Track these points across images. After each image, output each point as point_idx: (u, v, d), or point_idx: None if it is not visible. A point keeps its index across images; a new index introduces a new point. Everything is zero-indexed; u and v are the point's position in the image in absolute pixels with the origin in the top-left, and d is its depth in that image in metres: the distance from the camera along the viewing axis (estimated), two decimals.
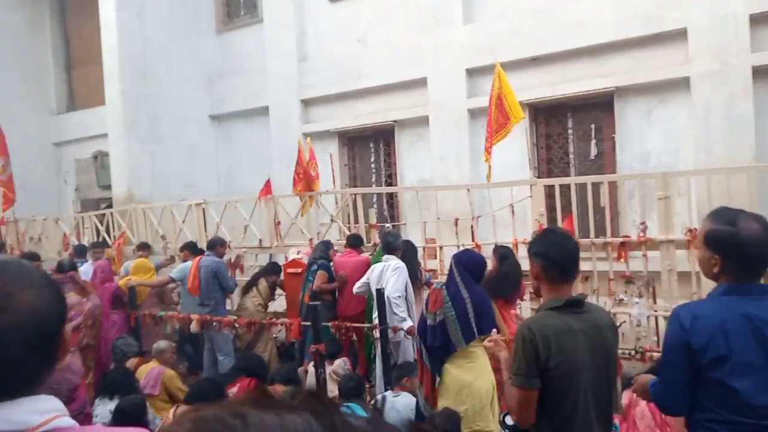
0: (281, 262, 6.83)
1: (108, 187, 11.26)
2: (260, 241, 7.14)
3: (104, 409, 4.34)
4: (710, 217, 1.99)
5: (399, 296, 4.78)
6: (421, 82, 8.90)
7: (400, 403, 4.05)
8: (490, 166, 5.67)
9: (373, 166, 9.79)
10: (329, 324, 5.18)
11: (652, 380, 2.05)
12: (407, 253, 5.31)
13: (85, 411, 4.65)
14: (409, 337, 4.81)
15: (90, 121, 12.27)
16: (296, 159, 6.86)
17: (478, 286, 3.78)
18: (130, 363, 5.19)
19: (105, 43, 10.21)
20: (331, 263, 5.82)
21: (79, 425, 0.93)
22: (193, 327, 5.91)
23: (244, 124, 11.05)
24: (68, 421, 0.90)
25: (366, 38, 9.67)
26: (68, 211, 11.67)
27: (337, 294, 5.85)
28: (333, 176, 8.16)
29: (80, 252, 7.26)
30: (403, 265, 5.08)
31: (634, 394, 2.45)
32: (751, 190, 5.05)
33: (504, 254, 4.86)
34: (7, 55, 12.36)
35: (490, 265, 4.65)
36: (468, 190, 5.99)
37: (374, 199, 9.35)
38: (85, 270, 6.39)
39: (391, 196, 9.31)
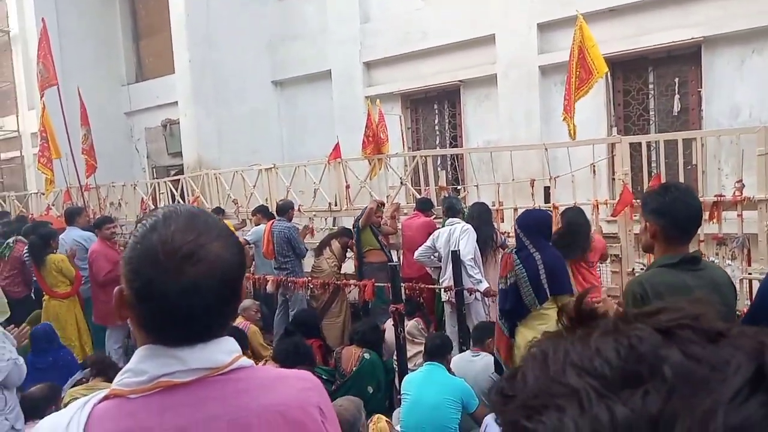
0: (350, 225, 6.85)
1: (177, 155, 11.65)
2: (330, 204, 7.18)
3: None
4: None
5: (472, 258, 4.70)
6: (488, 40, 8.57)
7: (479, 364, 4.02)
8: (574, 124, 5.39)
9: (437, 128, 9.61)
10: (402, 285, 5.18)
11: None
12: (482, 215, 5.19)
13: None
14: (482, 299, 4.75)
15: (158, 90, 12.63)
16: (365, 122, 6.79)
17: (550, 246, 3.66)
18: (238, 321, 5.38)
19: (173, 12, 10.38)
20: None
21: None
22: (269, 287, 6.06)
23: (306, 88, 11.05)
24: (247, 360, 0.96)
25: None
26: (140, 178, 12.15)
27: (401, 256, 5.84)
28: (402, 139, 8.05)
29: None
30: (470, 226, 4.99)
31: None
32: None
33: (568, 216, 4.67)
34: (80, 29, 12.81)
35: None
36: (546, 149, 5.75)
37: (439, 163, 9.21)
38: None
39: (457, 159, 9.13)
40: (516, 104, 8.31)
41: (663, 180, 4.80)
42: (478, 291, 4.67)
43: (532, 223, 3.62)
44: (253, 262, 6.75)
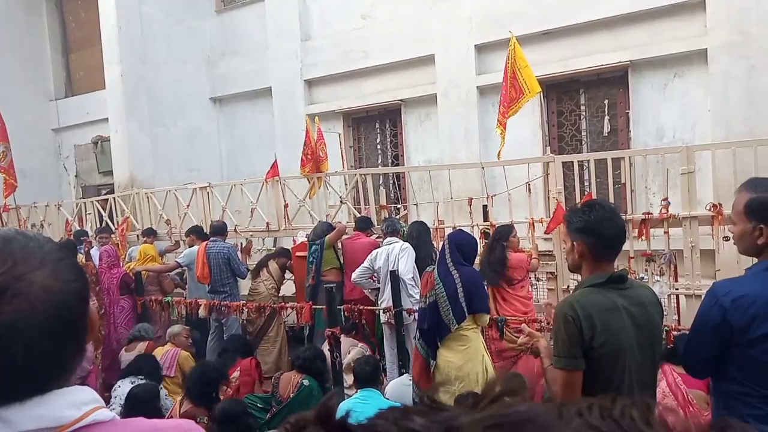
0: (288, 245, 6.69)
1: (108, 173, 11.11)
2: (267, 224, 6.98)
3: (123, 390, 4.24)
4: (747, 186, 1.91)
5: (412, 277, 4.65)
6: (428, 60, 8.68)
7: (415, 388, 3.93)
8: (502, 143, 5.48)
9: (379, 147, 9.60)
10: (340, 307, 5.05)
11: None
12: (422, 234, 5.16)
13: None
14: None
15: (89, 106, 12.07)
16: (304, 140, 6.67)
17: (469, 266, 3.68)
18: (140, 347, 5.10)
19: (104, 24, 9.97)
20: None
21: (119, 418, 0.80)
22: (201, 312, 5.79)
23: (246, 105, 10.84)
24: (107, 413, 0.78)
25: (371, 15, 9.42)
26: (68, 198, 11.50)
27: (344, 277, 5.71)
28: (342, 157, 7.97)
29: (78, 237, 7.13)
30: (408, 245, 4.95)
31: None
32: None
33: (498, 235, 4.72)
34: (4, 41, 12.12)
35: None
36: (483, 168, 5.81)
37: (380, 181, 9.18)
38: (92, 255, 6.26)
39: (398, 178, 9.14)
40: (455, 124, 8.42)
41: (593, 197, 4.91)
42: (416, 311, 4.59)
43: (459, 241, 3.62)
44: (186, 286, 6.46)
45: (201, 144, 10.72)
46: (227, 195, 7.31)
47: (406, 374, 4.03)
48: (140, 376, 4.32)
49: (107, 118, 10.85)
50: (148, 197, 7.99)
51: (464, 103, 8.39)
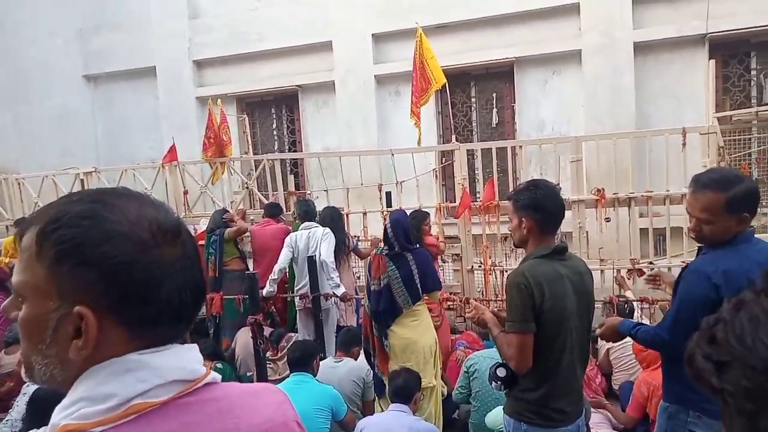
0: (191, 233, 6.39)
1: None
2: None
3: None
4: (704, 185, 2.01)
5: (332, 261, 4.72)
6: (326, 46, 8.69)
7: (342, 369, 4.04)
8: (419, 132, 5.73)
9: (275, 133, 9.44)
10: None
11: (630, 322, 2.26)
12: (335, 220, 5.23)
13: None
14: (342, 304, 4.80)
15: None
16: (206, 123, 6.40)
17: (418, 246, 3.88)
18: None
19: None
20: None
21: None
22: None
23: (126, 85, 10.05)
24: (216, 374, 0.81)
25: None
26: None
27: (253, 264, 5.64)
28: (248, 141, 7.74)
29: None
30: (330, 230, 5.01)
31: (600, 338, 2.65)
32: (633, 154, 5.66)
33: (414, 221, 4.97)
34: None
35: None
36: (392, 154, 6.00)
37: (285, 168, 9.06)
38: None
39: (295, 164, 9.08)
40: (354, 111, 8.55)
41: (495, 184, 5.32)
42: (336, 296, 4.69)
43: (403, 226, 3.76)
44: None
45: (74, 126, 9.78)
46: (118, 180, 6.79)
47: (330, 357, 4.12)
48: None
49: None
50: (19, 183, 7.16)
51: (362, 90, 8.54)
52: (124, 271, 0.71)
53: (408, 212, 5.30)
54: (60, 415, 0.71)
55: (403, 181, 5.89)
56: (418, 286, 3.68)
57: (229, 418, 0.77)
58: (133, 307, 0.72)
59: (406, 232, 3.73)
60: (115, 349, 0.72)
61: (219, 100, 7.02)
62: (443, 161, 7.14)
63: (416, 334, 3.69)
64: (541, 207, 2.19)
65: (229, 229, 5.35)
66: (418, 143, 5.77)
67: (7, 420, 3.88)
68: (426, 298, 3.79)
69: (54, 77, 9.51)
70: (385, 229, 3.78)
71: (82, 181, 6.91)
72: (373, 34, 8.47)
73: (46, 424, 0.73)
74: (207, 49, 9.34)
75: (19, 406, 3.77)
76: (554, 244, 2.23)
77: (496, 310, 2.49)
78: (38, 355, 0.73)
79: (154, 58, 9.53)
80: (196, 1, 9.46)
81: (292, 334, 4.37)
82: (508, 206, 2.37)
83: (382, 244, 3.87)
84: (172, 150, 6.52)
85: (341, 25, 8.52)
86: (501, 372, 2.19)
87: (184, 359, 0.77)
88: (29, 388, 3.85)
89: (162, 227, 0.76)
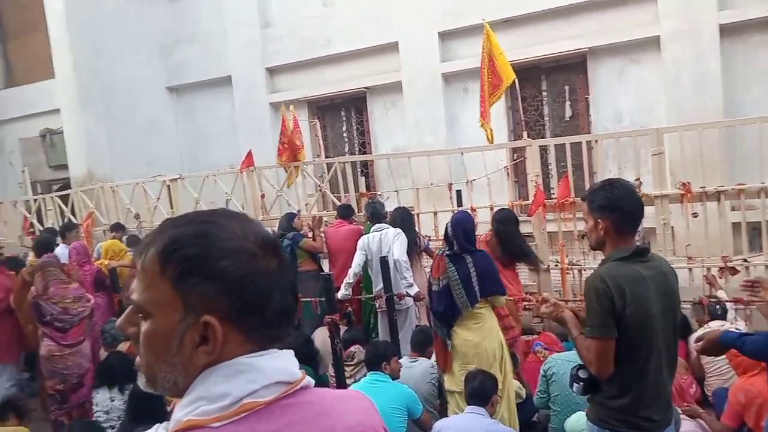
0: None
1: (60, 167, 10.62)
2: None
3: (104, 396, 4.17)
4: None
5: (406, 260, 4.76)
6: (392, 47, 8.75)
7: (417, 369, 4.07)
8: (491, 129, 5.68)
9: (345, 135, 9.62)
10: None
11: (733, 333, 2.15)
12: (405, 220, 5.27)
13: (92, 398, 4.47)
14: (418, 303, 4.83)
15: (34, 97, 11.41)
16: (280, 129, 6.63)
17: (479, 250, 3.83)
18: (122, 346, 5.00)
19: (49, 10, 9.46)
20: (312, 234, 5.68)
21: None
22: None
23: (205, 95, 10.58)
24: (311, 379, 0.87)
25: (332, 2, 9.38)
26: (15, 194, 10.92)
27: (329, 265, 5.77)
28: (320, 145, 7.97)
29: (63, 232, 6.78)
30: (401, 231, 5.05)
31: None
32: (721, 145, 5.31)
33: (500, 218, 4.90)
34: None
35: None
36: (462, 153, 5.97)
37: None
38: (61, 252, 6.04)
39: (365, 165, 9.22)
40: (421, 111, 8.55)
41: (570, 180, 5.17)
42: (410, 295, 4.73)
43: (464, 226, 3.73)
44: None
45: (158, 136, 10.40)
46: (201, 186, 7.18)
47: (406, 356, 4.16)
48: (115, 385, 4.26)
49: (55, 110, 10.38)
50: (113, 191, 7.73)
51: (430, 90, 8.53)
52: (242, 282, 0.78)
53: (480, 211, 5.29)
54: (182, 411, 0.78)
55: (474, 180, 5.84)
56: (476, 289, 3.64)
57: (326, 420, 0.83)
58: (250, 314, 0.80)
59: (466, 233, 3.70)
60: (230, 352, 0.79)
61: (291, 105, 7.24)
62: (515, 158, 7.02)
63: (478, 337, 3.65)
64: (618, 207, 2.11)
65: (306, 240, 5.51)
66: (491, 140, 5.68)
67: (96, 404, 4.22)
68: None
69: (140, 91, 10.15)
70: (446, 230, 3.78)
71: (168, 187, 7.35)
72: (439, 33, 8.44)
73: (146, 416, 0.85)
74: (278, 57, 9.66)
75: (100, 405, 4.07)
76: (634, 245, 2.15)
77: (575, 308, 2.41)
78: (163, 365, 0.80)
79: (229, 67, 9.97)
80: (267, 12, 9.80)
81: (353, 349, 4.44)
82: (583, 205, 2.30)
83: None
84: (249, 156, 6.81)
85: (407, 25, 8.55)
86: (583, 373, 2.14)
87: (286, 362, 0.83)
88: (114, 391, 4.14)
89: (264, 240, 0.83)
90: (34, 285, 4.68)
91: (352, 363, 4.48)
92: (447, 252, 3.74)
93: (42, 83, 10.99)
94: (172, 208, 7.46)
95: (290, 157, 6.60)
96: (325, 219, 6.12)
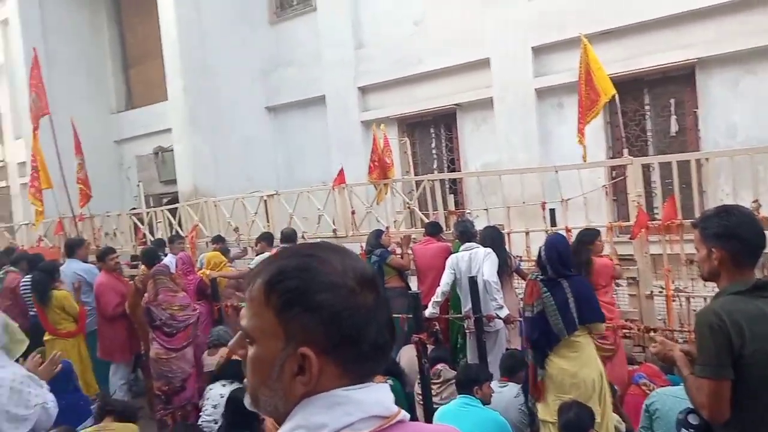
0: (356, 251, 6.78)
1: (170, 182, 11.50)
2: (334, 230, 7.11)
3: (217, 392, 4.39)
4: None
5: (496, 281, 4.65)
6: (483, 63, 8.67)
7: (507, 394, 3.95)
8: (585, 147, 5.45)
9: (434, 152, 9.63)
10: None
11: None
12: (495, 239, 5.16)
13: (193, 401, 4.74)
14: (509, 326, 4.69)
15: (148, 118, 12.51)
16: (371, 147, 6.77)
17: (576, 274, 3.64)
18: (222, 352, 5.25)
19: (165, 38, 10.34)
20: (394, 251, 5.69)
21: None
22: None
23: (300, 114, 11.05)
24: (406, 413, 0.87)
25: (423, 20, 9.49)
26: (130, 206, 11.94)
27: (417, 283, 5.76)
28: (410, 163, 8.05)
29: (159, 245, 7.37)
30: (491, 250, 4.94)
31: None
32: None
33: (584, 239, 4.66)
34: (68, 57, 12.70)
35: None
36: (556, 171, 5.77)
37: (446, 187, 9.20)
38: (169, 262, 6.50)
39: (453, 183, 9.16)
40: (513, 127, 8.38)
41: (677, 200, 4.83)
42: (500, 318, 4.61)
43: (559, 250, 3.58)
44: None
45: (257, 153, 10.96)
46: (295, 202, 7.47)
47: (496, 381, 4.05)
48: (230, 380, 4.47)
49: (166, 130, 11.29)
50: (215, 205, 8.24)
51: (522, 105, 8.35)
52: (339, 316, 0.81)
53: (576, 231, 5.06)
54: None
55: (569, 199, 5.60)
56: (575, 315, 3.45)
57: None
58: (346, 348, 0.81)
59: (561, 256, 3.53)
60: (327, 384, 0.81)
61: (382, 124, 7.37)
62: (614, 176, 6.67)
63: (575, 366, 3.46)
64: (735, 235, 1.92)
65: (394, 257, 5.56)
66: (584, 159, 5.45)
67: (205, 408, 4.46)
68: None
69: (241, 111, 10.80)
70: (539, 253, 3.63)
71: (265, 202, 7.72)
72: (532, 47, 8.26)
73: (241, 424, 0.88)
74: (369, 76, 9.89)
75: (207, 402, 4.29)
76: (754, 279, 1.95)
77: (686, 346, 2.22)
78: (265, 389, 0.84)
79: (323, 87, 10.35)
80: (360, 33, 10.08)
81: (440, 367, 4.36)
82: (695, 233, 2.12)
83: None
84: (341, 174, 7.00)
85: (498, 41, 8.45)
86: (693, 419, 1.96)
87: (382, 396, 0.84)
88: (214, 386, 4.36)
89: (363, 276, 0.85)
90: (147, 291, 5.08)
91: (438, 381, 4.43)
92: (540, 277, 3.60)
93: (156, 105, 12.01)
94: (268, 222, 7.82)
95: (380, 174, 6.71)
96: (413, 236, 6.13)
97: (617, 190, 7.01)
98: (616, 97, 5.39)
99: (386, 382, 4.31)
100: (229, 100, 10.65)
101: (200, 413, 4.54)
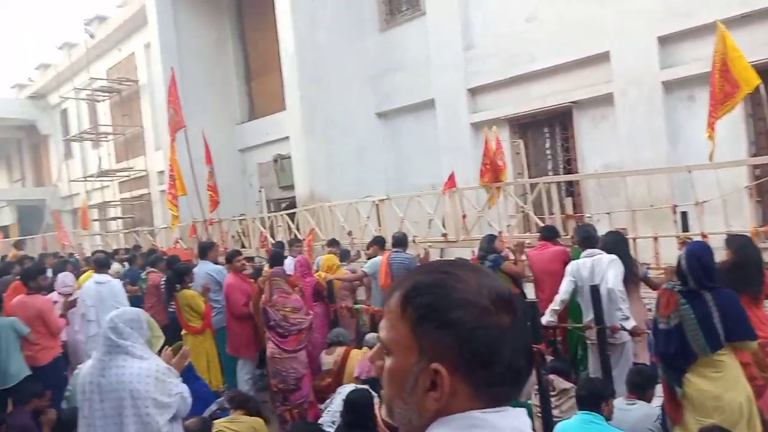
0: (467, 256, 6.69)
1: (287, 188, 12.15)
2: (445, 235, 7.08)
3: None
4: None
5: (622, 290, 4.35)
6: (602, 57, 8.19)
7: (636, 413, 3.65)
8: (713, 143, 4.95)
9: (548, 152, 9.26)
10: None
11: None
12: (619, 245, 4.82)
13: (309, 399, 4.93)
14: (636, 338, 4.37)
15: (268, 128, 13.33)
16: (483, 150, 6.67)
17: (722, 286, 3.26)
18: (339, 351, 5.41)
19: (284, 52, 10.93)
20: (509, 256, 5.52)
21: None
22: None
23: (410, 118, 11.16)
24: None
25: (537, 17, 9.16)
26: (252, 211, 12.78)
27: (535, 290, 5.55)
28: (522, 164, 7.84)
29: (280, 248, 7.78)
30: (616, 257, 4.62)
31: None
32: None
33: (743, 244, 4.16)
34: (199, 75, 13.90)
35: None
36: (689, 171, 5.30)
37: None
38: (288, 264, 6.83)
39: (570, 184, 8.74)
40: (637, 124, 7.82)
41: None
42: (625, 329, 4.30)
43: (702, 260, 3.25)
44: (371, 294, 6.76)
45: (368, 158, 11.24)
46: (405, 206, 7.56)
47: (622, 398, 3.78)
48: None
49: (285, 138, 11.93)
50: (330, 210, 8.56)
51: (647, 100, 7.76)
52: (472, 335, 0.79)
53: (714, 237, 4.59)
54: None
55: (705, 201, 5.11)
56: (720, 332, 3.10)
57: None
58: (478, 368, 0.80)
59: (705, 267, 3.19)
60: (461, 404, 0.80)
61: (494, 126, 7.22)
62: (757, 175, 5.97)
63: (719, 388, 3.10)
64: None
65: (508, 263, 5.41)
66: (710, 158, 4.93)
67: (328, 410, 4.61)
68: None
69: (353, 118, 11.13)
70: (679, 262, 3.31)
71: (377, 206, 7.89)
72: (658, 37, 7.65)
73: (359, 425, 0.87)
74: (479, 77, 9.74)
75: (335, 402, 4.42)
76: None
77: None
78: (400, 401, 0.84)
79: (432, 91, 10.36)
80: (470, 34, 9.97)
81: (552, 377, 4.14)
82: None
83: (674, 277, 3.41)
84: (452, 178, 6.95)
85: (620, 32, 7.93)
86: None
87: (521, 422, 0.82)
88: (344, 388, 4.49)
89: (499, 295, 0.83)
90: (264, 293, 5.38)
91: (554, 393, 4.24)
92: (678, 287, 3.30)
93: (275, 115, 12.76)
94: (380, 225, 7.99)
95: (492, 177, 6.57)
96: (527, 241, 5.93)
97: (762, 191, 6.27)
98: (761, 87, 4.82)
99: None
100: (341, 108, 11.02)
101: (320, 411, 4.71)
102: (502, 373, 0.80)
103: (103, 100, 19.02)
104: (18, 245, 13.91)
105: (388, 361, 0.85)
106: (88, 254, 11.30)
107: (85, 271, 7.85)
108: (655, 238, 5.40)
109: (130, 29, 16.67)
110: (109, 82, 18.07)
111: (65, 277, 6.35)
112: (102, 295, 5.85)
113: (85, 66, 18.20)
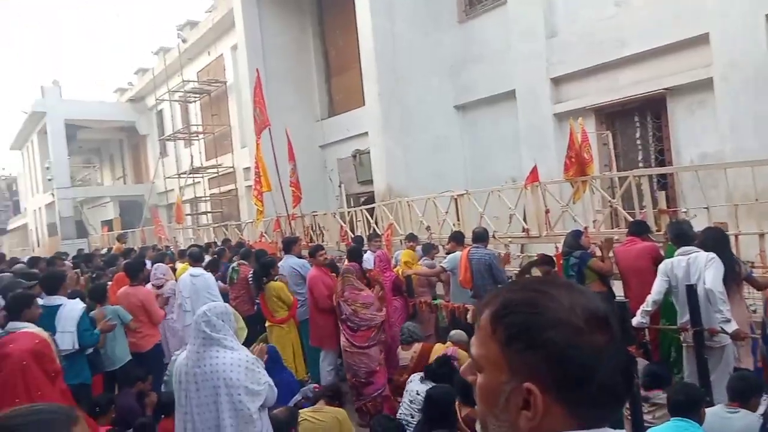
0: (550, 252, 6.48)
1: (366, 182, 12.31)
2: (527, 230, 6.89)
3: (414, 387, 4.56)
4: None
5: (722, 291, 4.04)
6: (700, 40, 7.61)
7: (738, 423, 3.39)
8: None
9: (639, 143, 8.75)
10: None
11: None
12: (719, 242, 4.47)
13: (384, 393, 4.99)
14: (739, 342, 4.05)
15: (347, 124, 13.55)
16: (567, 143, 6.41)
17: None
18: (416, 347, 5.43)
19: (363, 49, 11.06)
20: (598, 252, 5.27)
21: None
22: (469, 317, 5.94)
23: (489, 110, 10.94)
24: None
25: (626, 0, 8.66)
26: (332, 206, 13.06)
27: (623, 288, 5.28)
28: (611, 156, 7.48)
29: (359, 243, 7.90)
30: (716, 256, 4.29)
31: None
32: None
33: None
34: (282, 74, 14.37)
35: None
36: None
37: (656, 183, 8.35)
38: (367, 259, 6.93)
39: (663, 176, 8.21)
40: (741, 110, 7.21)
41: None
42: (725, 332, 4.00)
43: None
44: (450, 290, 6.72)
45: (446, 152, 11.15)
46: (485, 201, 7.43)
47: (722, 405, 3.52)
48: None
49: (364, 133, 12.07)
50: (408, 205, 8.58)
51: (753, 85, 7.12)
52: (564, 355, 0.78)
53: None
54: None
55: None
56: None
57: None
58: (571, 388, 0.79)
59: None
60: (555, 424, 0.79)
61: (580, 118, 6.92)
62: None
63: None
64: None
65: (595, 260, 5.19)
66: None
67: (402, 403, 4.65)
68: None
69: (431, 111, 11.07)
70: None
71: (455, 201, 7.80)
72: (766, 15, 7.00)
73: (439, 421, 0.87)
74: (563, 66, 9.36)
75: (409, 392, 4.44)
76: None
77: None
78: (492, 418, 0.84)
79: (513, 81, 10.08)
80: (553, 22, 9.60)
81: (652, 395, 3.90)
82: None
83: None
84: (534, 171, 6.74)
85: (721, 12, 7.32)
86: None
87: None
88: (422, 386, 4.50)
89: (593, 314, 0.81)
90: (339, 287, 5.52)
91: (651, 409, 4.02)
92: None
93: (354, 111, 12.95)
94: (458, 220, 7.90)
95: (578, 171, 6.30)
96: (615, 237, 5.65)
97: None
98: None
99: None
100: (419, 102, 11.00)
101: (397, 405, 4.76)
102: (597, 393, 0.79)
103: (195, 101, 20.18)
104: (121, 239, 15.10)
105: (480, 378, 0.85)
106: (183, 247, 12.05)
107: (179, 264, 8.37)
108: (761, 235, 4.96)
109: (219, 32, 17.52)
110: (200, 84, 19.14)
111: (157, 269, 6.84)
112: (196, 287, 6.23)
113: (178, 69, 19.37)
